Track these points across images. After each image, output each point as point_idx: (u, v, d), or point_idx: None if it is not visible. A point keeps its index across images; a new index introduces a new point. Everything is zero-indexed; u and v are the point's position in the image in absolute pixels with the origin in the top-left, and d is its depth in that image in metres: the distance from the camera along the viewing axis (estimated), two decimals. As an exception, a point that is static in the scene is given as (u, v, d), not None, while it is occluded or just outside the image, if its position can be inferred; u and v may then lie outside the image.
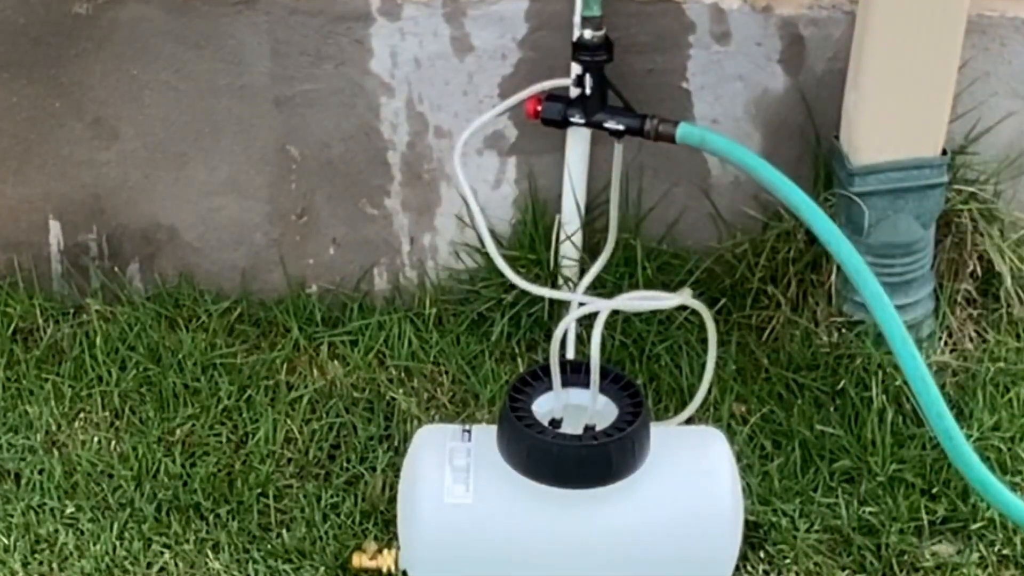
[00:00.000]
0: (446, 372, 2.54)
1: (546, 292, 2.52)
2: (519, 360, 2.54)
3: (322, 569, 2.20)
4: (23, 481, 2.35)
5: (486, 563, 2.06)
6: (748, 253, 2.55)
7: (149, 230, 2.66)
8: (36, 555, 2.23)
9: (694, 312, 2.39)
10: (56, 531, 2.26)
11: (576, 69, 2.38)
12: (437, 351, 2.56)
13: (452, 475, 2.03)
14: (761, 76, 2.50)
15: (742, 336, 2.54)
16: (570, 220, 2.55)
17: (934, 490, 2.31)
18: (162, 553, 2.23)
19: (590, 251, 2.57)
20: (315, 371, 2.55)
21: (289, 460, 2.39)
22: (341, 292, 2.68)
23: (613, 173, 2.47)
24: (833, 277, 2.52)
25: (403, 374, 2.54)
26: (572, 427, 2.05)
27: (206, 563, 2.22)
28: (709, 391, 2.41)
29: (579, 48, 2.36)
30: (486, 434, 2.07)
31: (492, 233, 2.57)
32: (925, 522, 2.26)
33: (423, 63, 2.50)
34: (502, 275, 2.52)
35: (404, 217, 2.64)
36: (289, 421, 2.43)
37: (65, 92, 2.55)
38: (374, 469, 2.36)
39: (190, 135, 2.58)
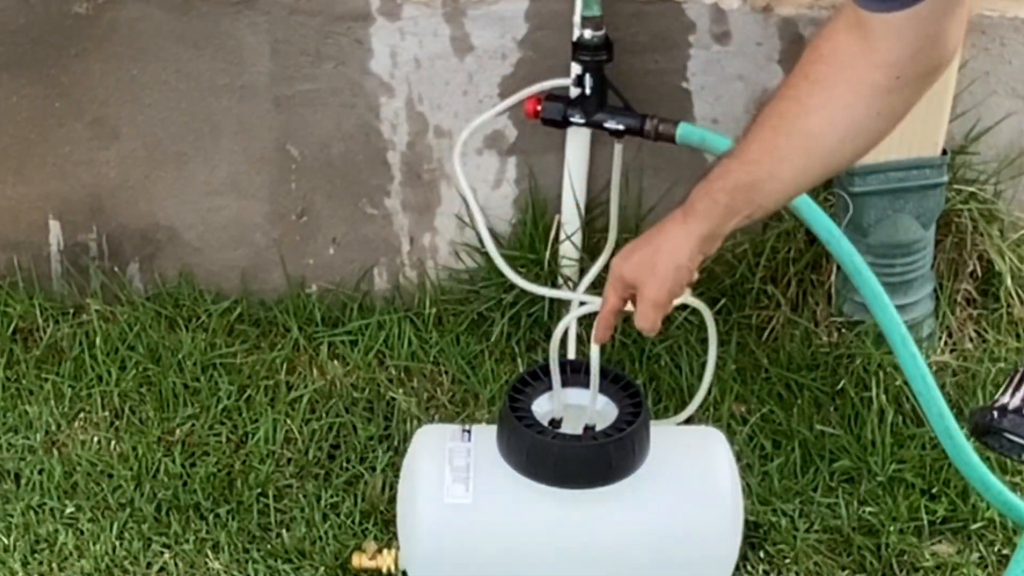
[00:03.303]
0: (446, 372, 2.54)
1: (546, 292, 2.52)
2: (519, 360, 2.54)
3: (322, 569, 2.20)
4: (23, 481, 2.35)
5: (486, 563, 2.05)
6: (748, 253, 2.55)
7: (149, 230, 2.66)
8: (36, 555, 2.23)
9: (694, 312, 2.39)
10: (56, 531, 2.26)
11: (576, 69, 2.39)
12: (437, 351, 2.56)
13: (452, 475, 2.03)
14: (761, 76, 2.49)
15: (742, 336, 2.54)
16: (570, 220, 2.56)
17: (934, 490, 2.31)
18: (162, 553, 2.23)
19: (590, 251, 2.57)
20: (315, 371, 2.55)
21: (289, 460, 2.39)
22: (341, 292, 2.68)
23: (613, 173, 2.48)
24: (833, 277, 2.52)
25: (403, 374, 2.54)
26: (572, 427, 2.05)
27: (206, 563, 2.22)
28: (709, 391, 2.41)
29: (579, 48, 2.37)
30: (486, 434, 2.07)
31: (492, 233, 2.57)
32: (925, 522, 2.26)
33: (423, 63, 2.50)
34: (502, 275, 2.53)
35: (404, 217, 2.64)
36: (289, 421, 2.43)
37: (65, 92, 2.55)
38: (374, 469, 2.36)
39: (190, 135, 2.58)
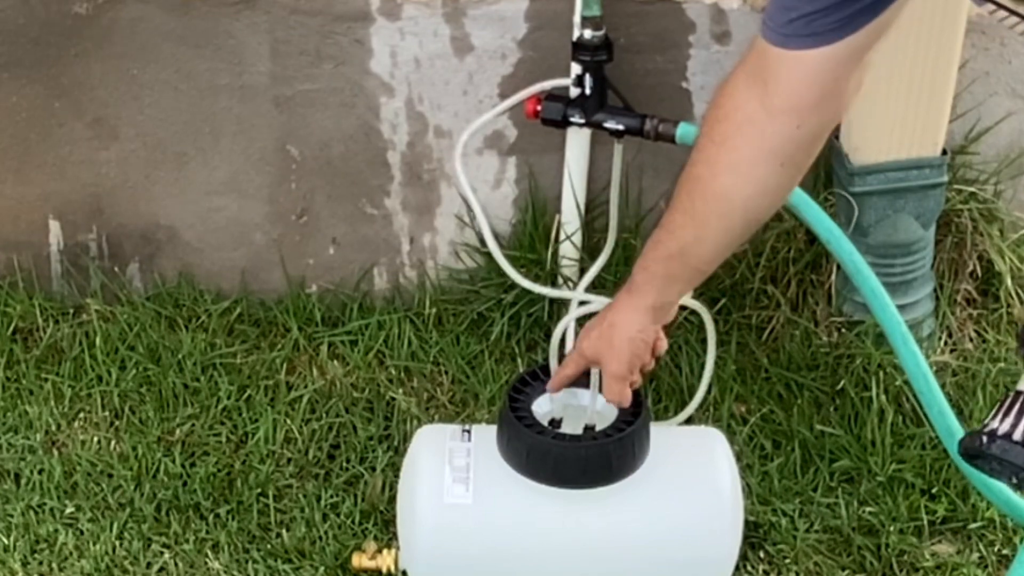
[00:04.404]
0: (446, 372, 2.54)
1: (546, 291, 2.52)
2: (519, 360, 2.54)
3: (322, 569, 2.20)
4: (23, 481, 2.35)
5: (486, 563, 2.05)
6: (748, 253, 2.55)
7: (149, 230, 2.66)
8: (36, 555, 2.23)
9: (694, 312, 2.39)
10: (56, 531, 2.26)
11: (576, 69, 2.39)
12: (437, 351, 2.56)
13: (452, 475, 2.03)
14: (761, 76, 2.49)
15: (742, 336, 2.54)
16: (570, 220, 2.56)
17: (934, 490, 2.31)
18: (162, 553, 2.23)
19: (590, 251, 2.57)
20: (315, 371, 2.55)
21: (289, 460, 2.39)
22: (341, 292, 2.68)
23: (613, 173, 2.47)
24: (833, 277, 2.52)
25: (403, 374, 2.54)
26: (572, 427, 2.05)
27: (206, 563, 2.22)
28: (709, 391, 2.41)
29: (579, 48, 2.37)
30: (486, 434, 2.07)
31: (492, 233, 2.57)
32: (925, 522, 2.26)
33: (423, 63, 2.50)
34: (502, 275, 2.53)
35: (404, 217, 2.64)
36: (289, 421, 2.43)
37: (65, 92, 2.55)
38: (374, 469, 2.36)
39: (190, 135, 2.58)
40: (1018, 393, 1.49)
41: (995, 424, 1.48)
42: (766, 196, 1.75)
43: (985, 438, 1.47)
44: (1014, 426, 1.47)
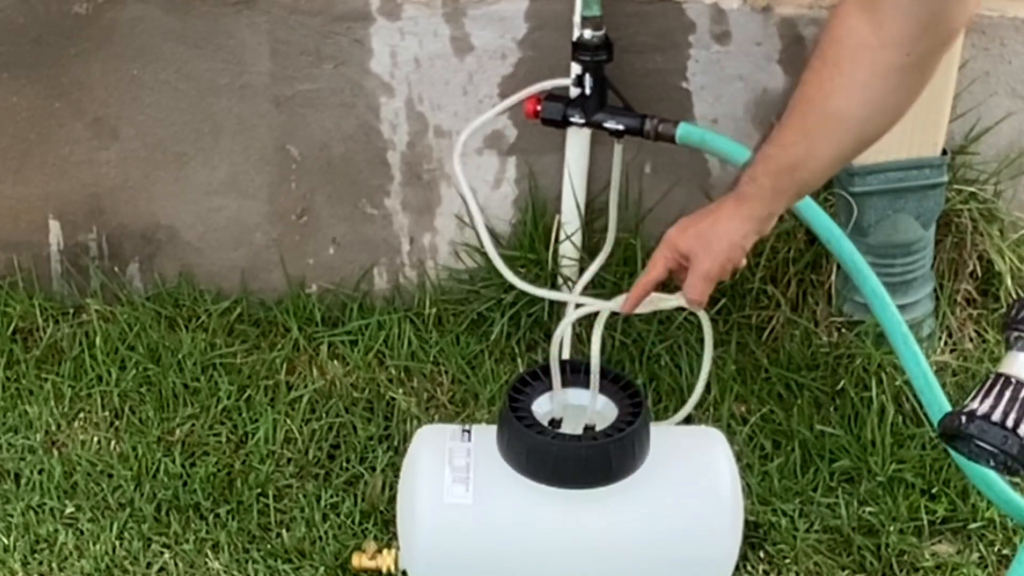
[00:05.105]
0: (446, 372, 2.54)
1: (544, 293, 2.52)
2: (519, 360, 2.54)
3: (322, 569, 2.20)
4: (23, 481, 2.35)
5: (486, 563, 2.05)
6: (748, 253, 2.55)
7: (149, 230, 2.66)
8: (36, 555, 2.23)
9: (694, 312, 2.39)
10: (56, 531, 2.26)
11: (576, 69, 2.39)
12: (437, 351, 2.56)
13: (452, 475, 2.03)
14: (761, 76, 2.50)
15: (742, 336, 2.54)
16: (570, 220, 2.56)
17: (934, 490, 2.31)
18: (162, 553, 2.23)
19: (590, 251, 2.57)
20: (315, 371, 2.55)
21: (289, 460, 2.39)
22: (341, 292, 2.68)
23: (613, 173, 2.47)
24: (833, 277, 2.52)
25: (403, 374, 2.54)
26: (572, 427, 2.05)
27: (206, 563, 2.22)
28: (708, 391, 2.41)
29: (579, 48, 2.37)
30: (486, 434, 2.07)
31: (492, 233, 2.57)
32: (925, 522, 2.26)
33: (423, 63, 2.51)
34: (502, 275, 2.52)
35: (404, 217, 2.64)
36: (289, 421, 2.43)
37: (65, 92, 2.55)
38: (374, 469, 2.36)
39: (190, 135, 2.58)
40: (999, 375, 1.49)
41: (975, 405, 1.47)
42: (879, 117, 1.77)
43: (964, 418, 1.46)
44: (993, 407, 1.46)
